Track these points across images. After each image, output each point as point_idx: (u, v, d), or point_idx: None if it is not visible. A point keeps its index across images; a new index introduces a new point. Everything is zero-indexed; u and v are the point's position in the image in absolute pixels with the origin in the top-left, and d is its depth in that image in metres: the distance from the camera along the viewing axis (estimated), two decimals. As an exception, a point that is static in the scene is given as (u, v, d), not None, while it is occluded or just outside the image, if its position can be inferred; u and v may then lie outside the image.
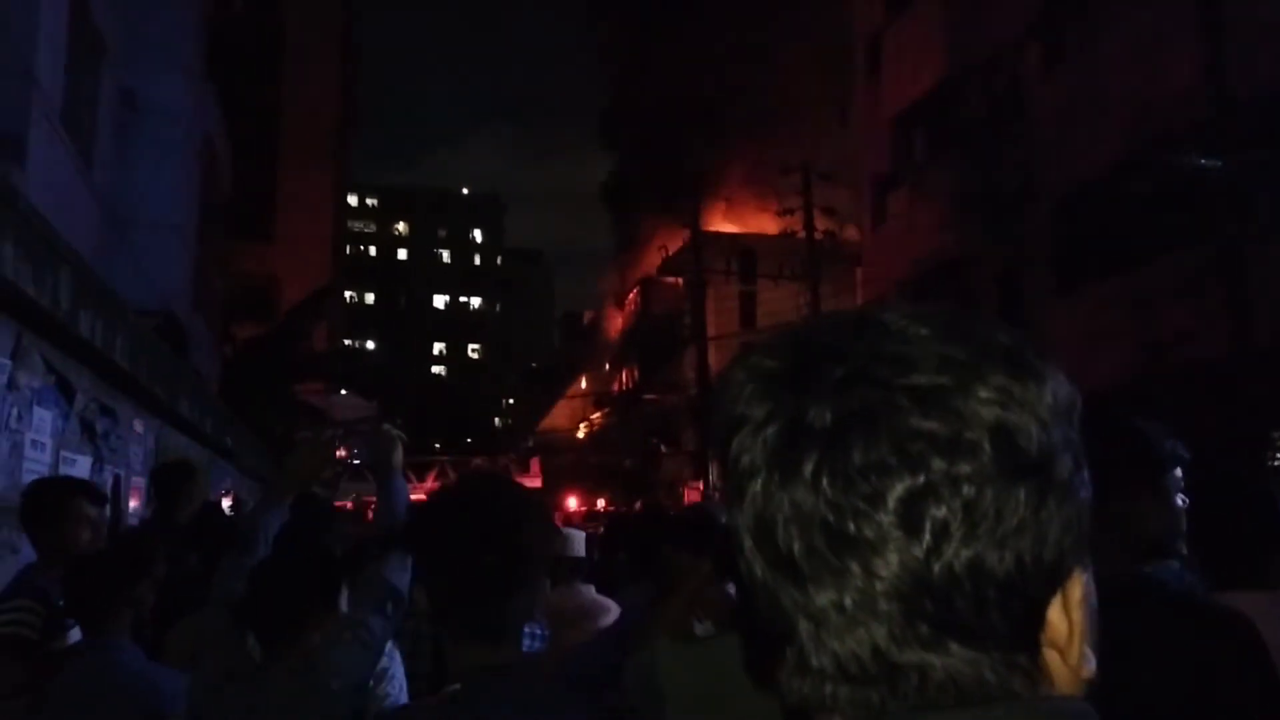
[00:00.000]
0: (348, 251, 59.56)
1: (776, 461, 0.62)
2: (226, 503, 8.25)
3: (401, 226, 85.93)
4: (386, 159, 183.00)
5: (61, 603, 3.12)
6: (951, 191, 18.19)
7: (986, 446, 0.60)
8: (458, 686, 1.63)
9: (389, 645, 2.71)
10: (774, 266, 29.38)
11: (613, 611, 4.25)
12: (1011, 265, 16.91)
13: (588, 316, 57.88)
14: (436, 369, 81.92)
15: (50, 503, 3.36)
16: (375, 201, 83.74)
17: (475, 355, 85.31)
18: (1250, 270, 11.66)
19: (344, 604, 2.50)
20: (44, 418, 4.40)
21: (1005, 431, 0.60)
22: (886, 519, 0.59)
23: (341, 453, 2.92)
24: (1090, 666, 0.66)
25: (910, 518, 0.59)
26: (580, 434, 44.60)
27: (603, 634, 3.39)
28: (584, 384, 51.39)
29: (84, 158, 11.31)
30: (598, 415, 43.18)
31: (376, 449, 2.76)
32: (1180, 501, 2.02)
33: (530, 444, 46.71)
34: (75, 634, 3.14)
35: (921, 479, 0.59)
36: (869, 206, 22.42)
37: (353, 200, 68.21)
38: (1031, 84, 16.46)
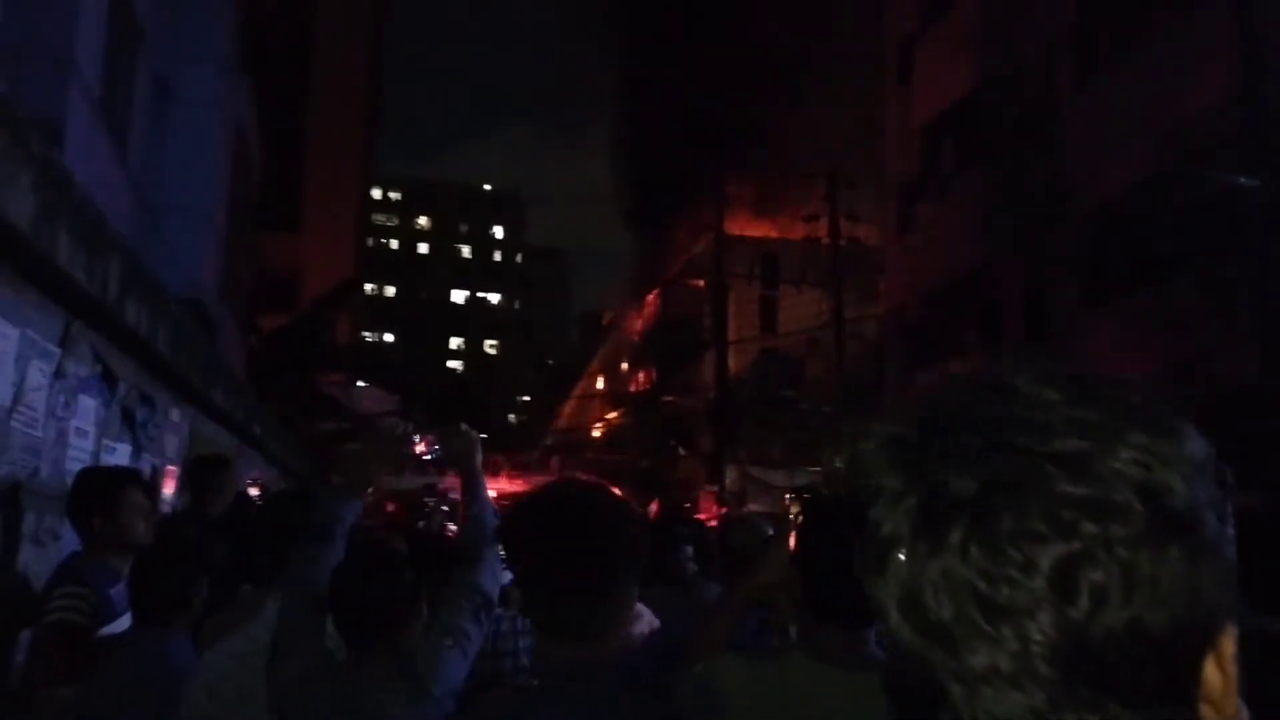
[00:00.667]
0: (370, 244, 59.76)
1: (921, 531, 0.63)
2: (254, 492, 8.29)
3: (423, 221, 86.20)
4: (410, 153, 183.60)
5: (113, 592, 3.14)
6: (980, 202, 18.11)
7: (1137, 507, 0.60)
8: (535, 682, 1.65)
9: None
10: (796, 272, 29.33)
11: (643, 616, 4.23)
12: (1039, 278, 16.82)
13: (606, 316, 57.88)
14: (453, 364, 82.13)
15: (107, 492, 3.37)
16: (398, 195, 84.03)
17: (493, 351, 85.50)
18: (1277, 288, 11.56)
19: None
20: (88, 406, 4.43)
21: (1153, 491, 0.61)
22: (1040, 585, 0.60)
23: (421, 447, 2.89)
24: (1245, 717, 0.66)
25: (1065, 583, 0.60)
26: (596, 433, 44.61)
27: (649, 640, 3.37)
28: (600, 383, 51.41)
29: (120, 145, 11.39)
30: (614, 415, 43.18)
31: (455, 450, 2.74)
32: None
33: (549, 441, 46.74)
34: (122, 622, 3.16)
35: (1075, 544, 0.60)
36: (894, 214, 22.35)
37: (376, 193, 68.45)
38: (1063, 95, 16.36)
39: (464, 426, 2.78)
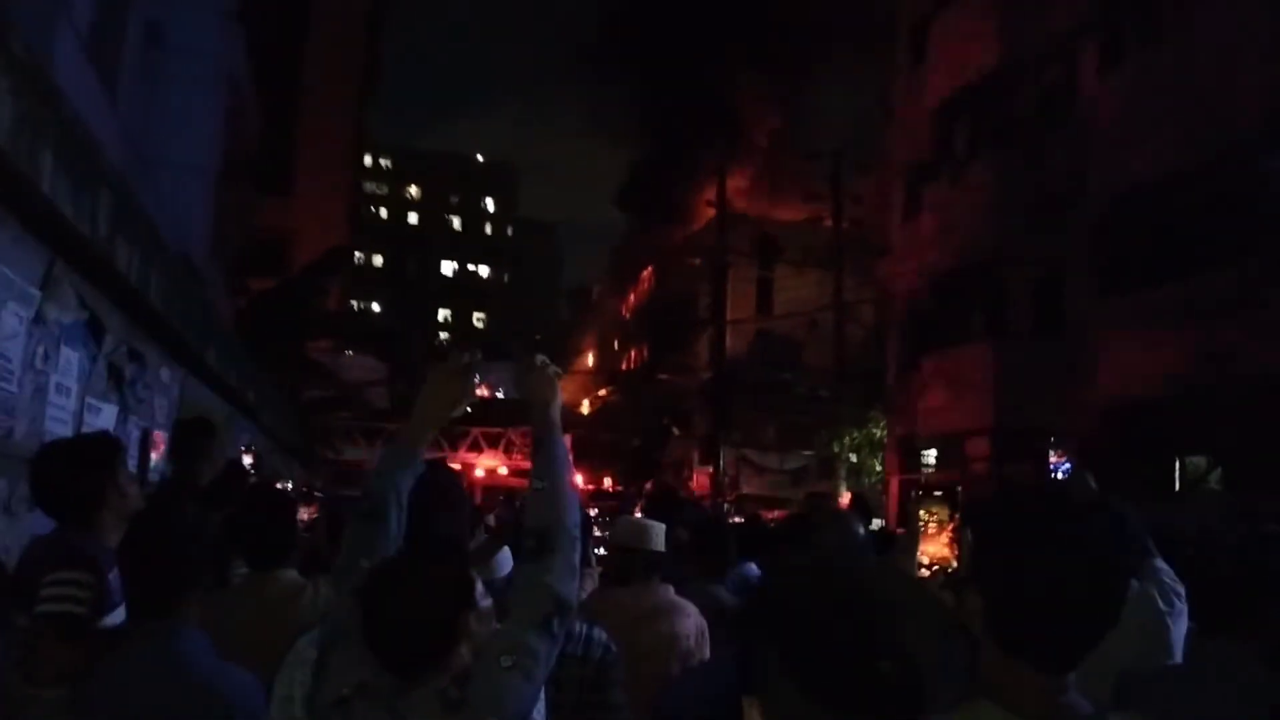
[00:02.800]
0: (359, 212, 59.02)
1: None
2: (247, 460, 7.82)
3: (414, 190, 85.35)
4: (402, 121, 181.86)
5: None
6: (993, 186, 17.66)
7: None
8: None
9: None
10: (796, 253, 28.92)
11: (690, 615, 3.78)
12: (1054, 268, 16.42)
13: (596, 292, 57.41)
14: (442, 335, 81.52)
15: (105, 456, 2.88)
16: (389, 163, 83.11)
17: (480, 325, 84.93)
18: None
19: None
20: (71, 359, 3.91)
21: None
22: None
23: (484, 390, 2.17)
24: None
25: None
26: (585, 410, 44.21)
27: (715, 661, 2.90)
28: (590, 360, 50.97)
29: (109, 90, 10.80)
30: (604, 392, 42.76)
31: (533, 390, 2.12)
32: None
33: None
34: (120, 612, 2.67)
35: None
36: (902, 198, 21.88)
37: (366, 160, 67.61)
38: (1087, 79, 15.92)
39: (542, 358, 2.17)
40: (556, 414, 2.11)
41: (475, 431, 30.98)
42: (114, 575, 2.63)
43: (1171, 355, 12.99)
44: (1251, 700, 2.28)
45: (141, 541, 2.43)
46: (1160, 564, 3.41)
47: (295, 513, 3.83)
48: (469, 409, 2.26)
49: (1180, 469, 14.02)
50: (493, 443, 30.94)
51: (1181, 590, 3.19)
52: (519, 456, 31.29)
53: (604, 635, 2.88)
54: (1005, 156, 17.51)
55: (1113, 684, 2.43)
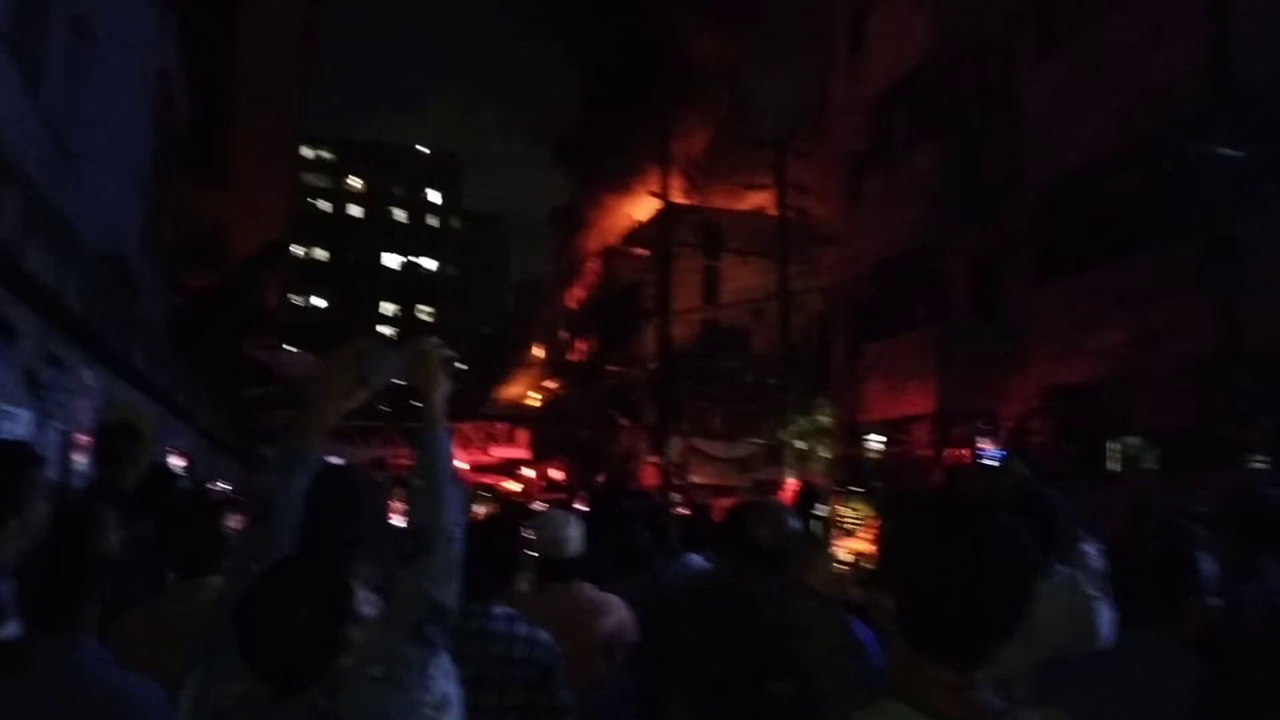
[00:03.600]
0: (300, 205, 58.10)
1: None
2: (182, 463, 7.63)
3: (356, 182, 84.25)
4: (344, 113, 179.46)
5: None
6: (932, 174, 17.86)
7: None
8: None
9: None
10: (740, 242, 29.02)
11: (613, 613, 3.72)
12: (991, 253, 16.65)
13: (545, 284, 57.16)
14: (387, 330, 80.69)
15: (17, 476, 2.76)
16: (331, 155, 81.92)
17: (427, 318, 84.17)
18: (1242, 264, 11.44)
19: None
20: (-20, 364, 3.79)
21: None
22: None
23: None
24: None
25: None
26: (535, 403, 44.05)
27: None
28: (537, 352, 50.76)
29: (32, 84, 10.47)
30: (554, 384, 42.62)
31: (413, 376, 2.00)
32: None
33: (485, 410, 46.00)
34: (11, 627, 2.57)
35: None
36: (843, 186, 22.03)
37: (307, 153, 66.56)
38: (1023, 67, 16.13)
39: (432, 339, 2.05)
40: (441, 404, 1.98)
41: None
42: (6, 587, 2.55)
43: (1106, 338, 13.23)
44: (1175, 684, 2.29)
45: (39, 552, 2.35)
46: (1088, 549, 3.45)
47: (222, 517, 3.73)
48: (383, 404, 2.20)
49: (1119, 449, 14.30)
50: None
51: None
52: (476, 451, 31.15)
53: (548, 637, 2.85)
54: (943, 145, 17.70)
55: (1032, 674, 2.43)
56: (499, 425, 33.43)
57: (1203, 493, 3.82)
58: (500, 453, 31.77)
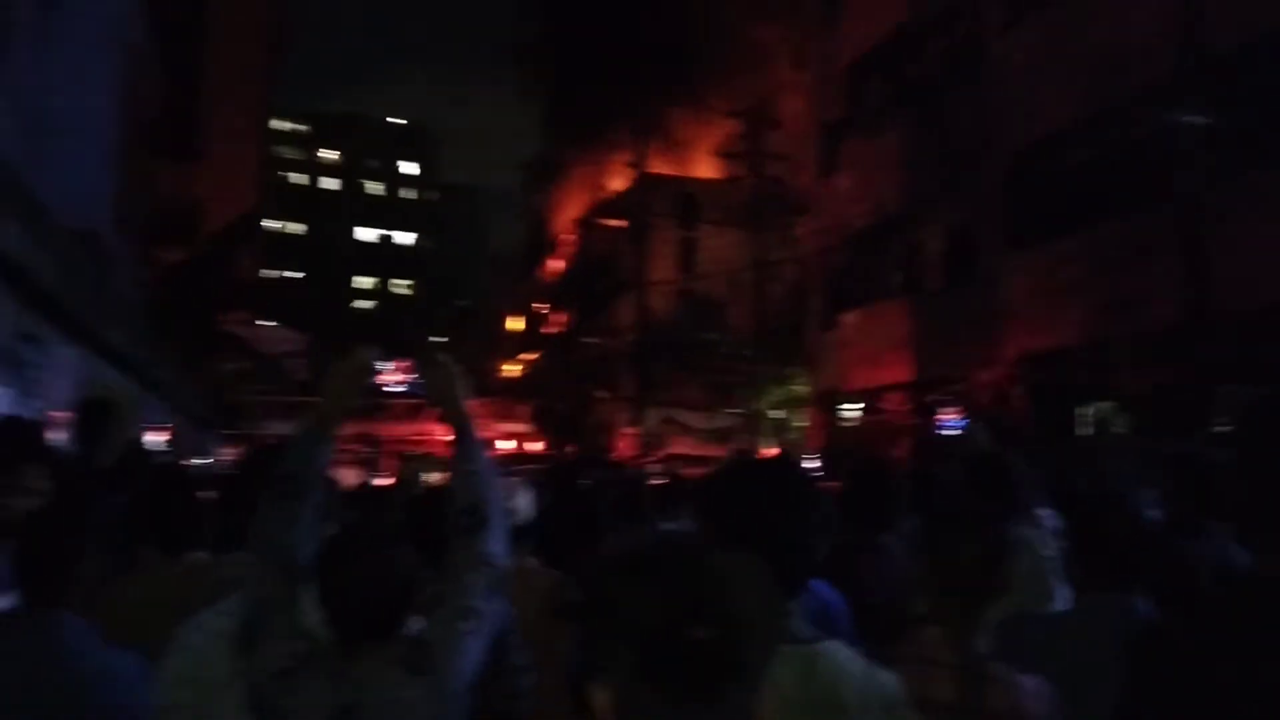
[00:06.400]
0: (274, 178, 57.49)
1: None
2: (164, 438, 7.64)
3: (330, 155, 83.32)
4: (317, 85, 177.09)
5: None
6: (905, 143, 17.93)
7: None
8: None
9: None
10: (717, 212, 29.04)
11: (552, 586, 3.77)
12: (965, 220, 16.76)
13: (520, 254, 56.91)
14: (363, 303, 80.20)
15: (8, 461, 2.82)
16: (304, 128, 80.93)
17: (403, 291, 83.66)
18: (1209, 232, 11.60)
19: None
20: (-43, 344, 3.80)
21: None
22: None
23: (397, 375, 2.39)
24: None
25: None
26: (514, 374, 44.03)
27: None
28: (514, 324, 50.66)
29: (-4, 59, 10.33)
30: (531, 356, 42.60)
31: (435, 385, 2.30)
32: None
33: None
34: (4, 600, 2.63)
35: None
36: (818, 155, 22.08)
37: (281, 125, 65.78)
38: (992, 36, 16.17)
39: (442, 356, 2.35)
40: (465, 405, 2.29)
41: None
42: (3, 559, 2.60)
43: (1077, 305, 13.40)
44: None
45: (32, 525, 2.41)
46: (1044, 512, 3.56)
47: (198, 492, 3.77)
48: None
49: (1089, 415, 14.51)
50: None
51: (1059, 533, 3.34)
52: (476, 424, 31.29)
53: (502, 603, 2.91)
54: (916, 114, 17.76)
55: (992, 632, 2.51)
56: (500, 401, 33.48)
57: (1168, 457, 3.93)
58: (503, 428, 31.80)
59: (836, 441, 19.76)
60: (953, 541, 2.21)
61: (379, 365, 2.40)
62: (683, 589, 1.11)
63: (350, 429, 30.04)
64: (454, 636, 1.99)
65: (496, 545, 2.13)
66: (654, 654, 1.10)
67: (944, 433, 14.79)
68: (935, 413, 16.33)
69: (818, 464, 14.93)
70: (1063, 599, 3.16)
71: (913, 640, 2.14)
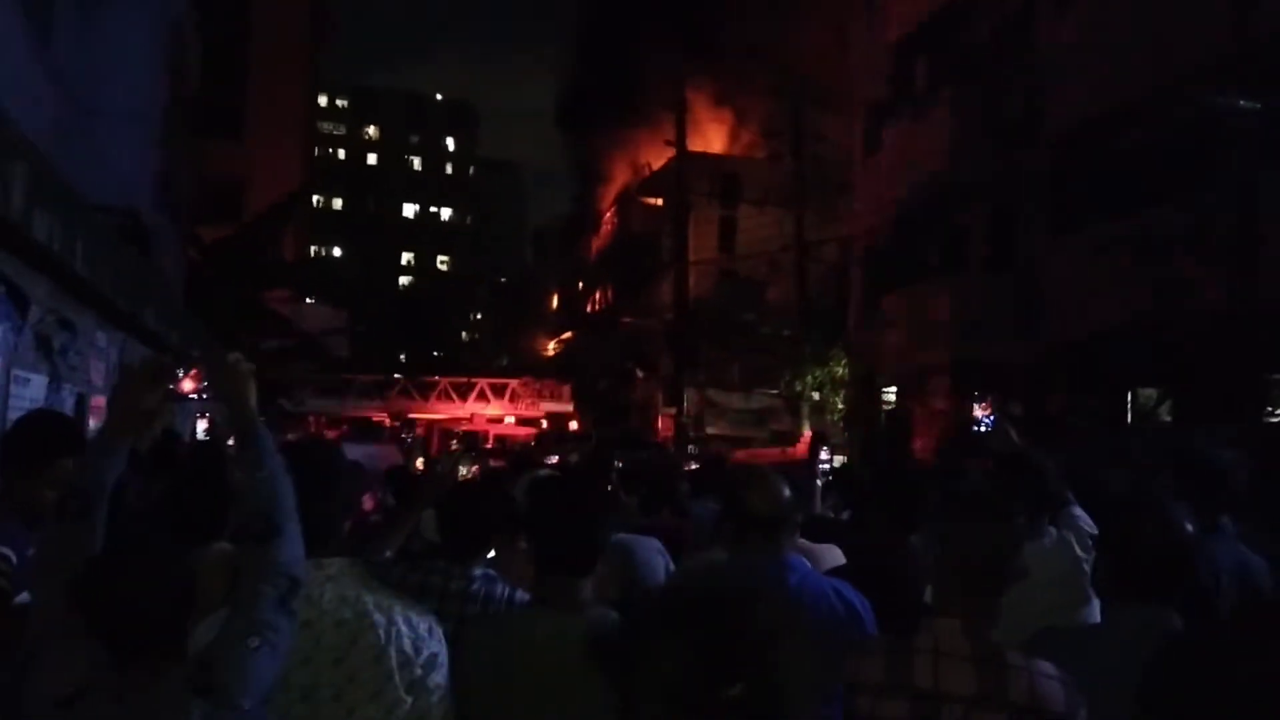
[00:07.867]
0: (316, 154, 57.97)
1: None
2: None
3: (372, 130, 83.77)
4: (359, 60, 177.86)
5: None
6: (951, 122, 17.61)
7: None
8: None
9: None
10: (757, 191, 28.77)
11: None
12: (1009, 203, 16.47)
13: (560, 230, 56.91)
14: (404, 279, 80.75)
15: (42, 455, 2.86)
16: (346, 103, 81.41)
17: (444, 267, 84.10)
18: (1261, 216, 11.29)
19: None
20: (-8, 331, 3.84)
21: None
22: None
23: (188, 384, 2.35)
24: None
25: None
26: (550, 353, 44.13)
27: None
28: (554, 302, 50.75)
29: (41, 38, 10.43)
30: (569, 335, 42.64)
31: (222, 386, 2.18)
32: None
33: (505, 362, 46.16)
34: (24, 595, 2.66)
35: None
36: (862, 134, 21.79)
37: (322, 101, 66.22)
38: (1042, 14, 15.83)
39: (233, 356, 2.23)
40: (252, 405, 2.17)
41: (481, 383, 31.35)
42: (31, 555, 2.62)
43: (1123, 289, 13.12)
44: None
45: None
46: (1077, 511, 3.48)
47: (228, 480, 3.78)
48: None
49: (1132, 401, 14.26)
50: (498, 393, 31.25)
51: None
52: (522, 404, 31.62)
53: (525, 596, 2.90)
54: (962, 93, 17.44)
55: (1028, 637, 2.45)
56: (547, 381, 33.59)
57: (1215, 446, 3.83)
58: (548, 407, 31.96)
59: (874, 425, 19.59)
60: (967, 532, 2.18)
61: (177, 373, 2.30)
62: (718, 645, 1.08)
63: (391, 408, 30.48)
64: (242, 653, 1.88)
65: (290, 553, 2.02)
66: (688, 706, 1.08)
67: (974, 429, 14.60)
68: (974, 397, 16.13)
69: (826, 455, 14.74)
70: (1093, 609, 3.09)
71: (929, 633, 2.11)
